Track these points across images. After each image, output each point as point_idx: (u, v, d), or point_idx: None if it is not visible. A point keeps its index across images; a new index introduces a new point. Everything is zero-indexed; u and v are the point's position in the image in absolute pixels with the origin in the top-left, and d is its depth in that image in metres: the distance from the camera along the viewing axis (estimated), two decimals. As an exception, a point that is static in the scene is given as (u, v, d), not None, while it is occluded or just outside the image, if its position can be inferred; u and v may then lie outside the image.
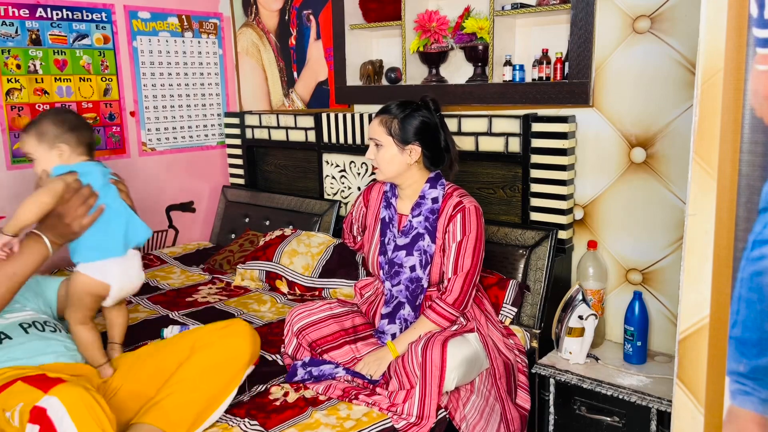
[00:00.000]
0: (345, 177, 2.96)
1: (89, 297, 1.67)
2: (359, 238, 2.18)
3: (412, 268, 1.91)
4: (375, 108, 2.84)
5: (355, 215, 2.17)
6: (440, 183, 1.95)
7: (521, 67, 2.36)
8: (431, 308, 1.87)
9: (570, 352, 2.08)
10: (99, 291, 1.67)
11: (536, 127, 2.25)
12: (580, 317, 2.03)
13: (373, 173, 2.81)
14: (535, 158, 2.28)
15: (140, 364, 1.66)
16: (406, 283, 1.92)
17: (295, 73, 3.23)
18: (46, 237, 1.54)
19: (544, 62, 2.30)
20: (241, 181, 3.47)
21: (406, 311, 1.93)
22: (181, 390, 1.53)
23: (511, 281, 2.20)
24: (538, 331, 2.18)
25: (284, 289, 2.63)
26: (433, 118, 1.93)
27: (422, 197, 1.93)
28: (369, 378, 1.83)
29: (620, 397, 1.90)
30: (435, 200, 1.92)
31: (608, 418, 1.95)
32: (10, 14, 2.72)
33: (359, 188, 2.90)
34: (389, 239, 1.97)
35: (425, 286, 1.92)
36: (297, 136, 3.11)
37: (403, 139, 1.88)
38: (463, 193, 1.94)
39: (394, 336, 1.93)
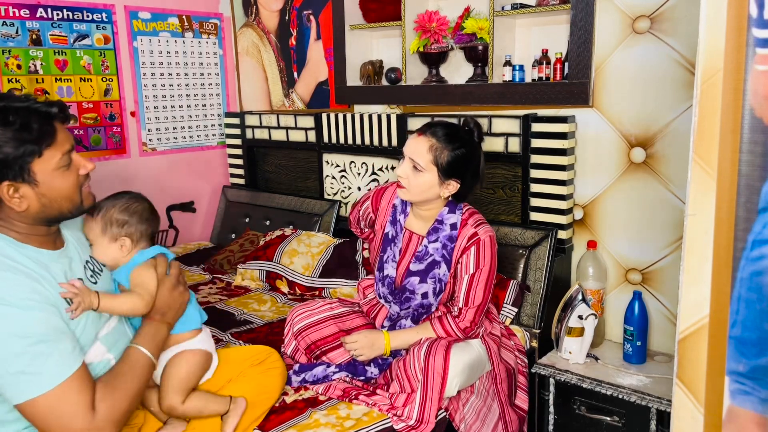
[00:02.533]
0: (345, 177, 2.96)
1: (200, 374, 1.55)
2: (366, 229, 2.14)
3: (424, 295, 1.87)
4: (375, 108, 2.85)
5: (362, 214, 2.08)
6: (458, 207, 1.86)
7: (521, 68, 2.36)
8: (440, 321, 1.84)
9: (570, 352, 2.08)
10: (207, 365, 1.57)
11: (536, 127, 2.26)
12: (580, 317, 2.03)
13: (374, 173, 2.82)
14: (535, 158, 2.28)
15: None
16: (415, 307, 1.89)
17: (295, 74, 3.23)
18: (146, 350, 1.39)
19: (544, 62, 2.30)
20: (241, 181, 3.47)
21: (408, 323, 1.92)
22: (215, 420, 1.53)
23: (511, 281, 2.20)
24: (537, 331, 2.18)
25: (284, 288, 2.63)
26: (477, 152, 1.82)
27: (440, 222, 1.85)
28: (365, 375, 1.83)
29: (620, 396, 1.90)
30: (453, 226, 1.83)
31: (608, 418, 1.95)
32: (11, 14, 2.73)
33: (359, 188, 2.90)
34: (388, 257, 1.92)
35: (433, 310, 1.90)
36: (297, 136, 3.11)
37: (446, 173, 1.77)
38: (479, 219, 1.85)
39: None
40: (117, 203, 1.49)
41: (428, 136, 1.78)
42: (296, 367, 1.88)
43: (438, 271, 1.85)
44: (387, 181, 2.73)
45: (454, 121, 2.42)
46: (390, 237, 1.93)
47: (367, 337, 1.85)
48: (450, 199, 1.86)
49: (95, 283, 1.39)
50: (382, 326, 1.95)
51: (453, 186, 1.81)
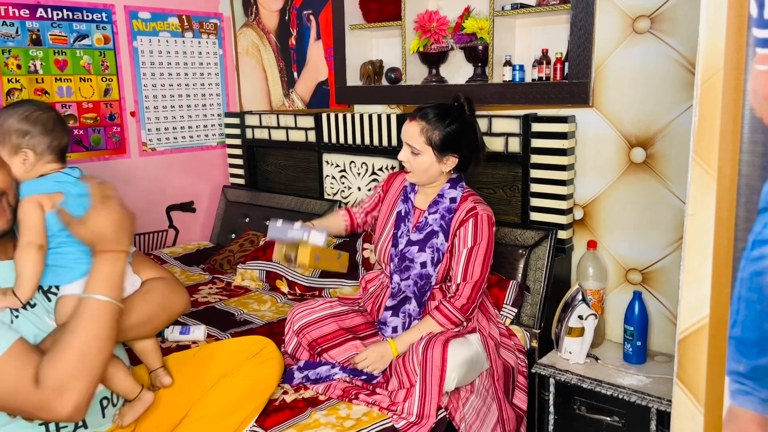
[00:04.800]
0: (345, 177, 2.96)
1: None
2: (357, 217, 2.13)
3: (423, 265, 1.91)
4: (375, 108, 2.85)
5: (366, 199, 2.16)
6: (460, 185, 1.95)
7: (521, 68, 2.36)
8: (438, 309, 1.87)
9: (570, 352, 2.08)
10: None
11: (536, 127, 2.26)
12: (580, 317, 2.03)
13: (374, 173, 2.82)
14: (535, 158, 2.28)
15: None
16: (415, 278, 1.92)
17: (295, 73, 3.23)
18: (96, 294, 1.24)
19: (544, 62, 2.30)
20: (241, 181, 3.47)
21: (411, 306, 1.93)
22: (213, 416, 1.52)
23: (511, 282, 2.20)
24: (538, 331, 2.18)
25: (284, 288, 2.63)
26: (470, 124, 1.91)
27: (441, 195, 1.94)
28: (366, 374, 1.84)
29: (620, 396, 1.90)
30: (453, 200, 1.92)
31: (608, 418, 1.95)
32: (11, 14, 2.73)
33: (359, 188, 2.91)
34: (402, 233, 1.97)
35: (433, 283, 1.92)
36: (297, 136, 3.11)
37: (441, 150, 1.86)
38: (478, 199, 1.94)
39: (395, 329, 1.93)
40: (17, 111, 1.32)
41: (419, 120, 1.88)
42: (301, 363, 1.89)
43: (436, 241, 1.91)
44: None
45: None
46: (403, 214, 2.00)
47: (375, 351, 1.86)
48: (452, 176, 1.95)
49: (50, 300, 1.32)
50: (385, 308, 1.96)
51: (452, 161, 1.90)
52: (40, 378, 1.15)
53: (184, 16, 3.30)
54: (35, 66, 2.81)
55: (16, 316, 1.24)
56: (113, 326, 1.25)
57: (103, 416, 1.40)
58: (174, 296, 1.48)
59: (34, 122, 1.32)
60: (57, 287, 1.34)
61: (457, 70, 2.60)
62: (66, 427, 1.31)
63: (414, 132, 1.87)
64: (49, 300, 1.32)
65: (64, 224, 1.28)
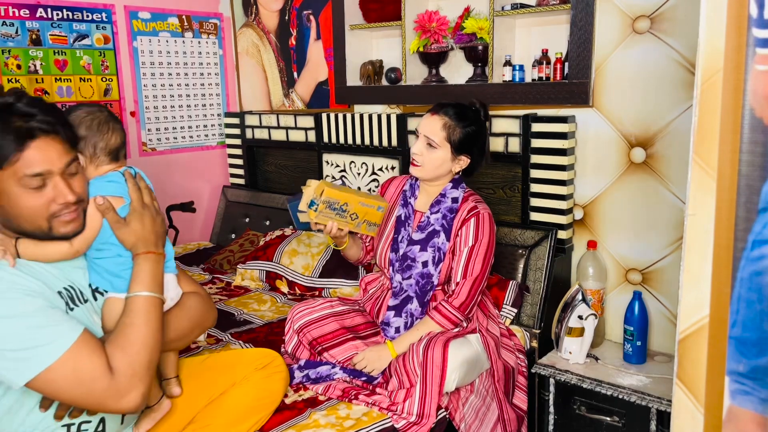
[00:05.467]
0: (345, 177, 2.96)
1: None
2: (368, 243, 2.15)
3: (425, 264, 1.92)
4: (375, 108, 2.85)
5: None
6: (461, 186, 1.97)
7: (521, 68, 2.36)
8: (437, 309, 1.87)
9: (570, 352, 2.08)
10: None
11: (536, 127, 2.26)
12: (580, 317, 2.03)
13: (374, 173, 2.82)
14: (535, 158, 2.28)
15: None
16: (416, 277, 1.93)
17: (295, 74, 3.23)
18: (144, 292, 1.28)
19: (544, 62, 2.30)
20: (241, 181, 3.47)
21: (414, 306, 1.93)
22: (219, 424, 1.52)
23: (510, 282, 2.20)
24: (537, 331, 2.18)
25: (284, 288, 2.63)
26: (484, 130, 1.95)
27: (443, 195, 1.95)
28: (366, 375, 1.84)
29: (620, 396, 1.90)
30: (455, 200, 1.94)
31: (608, 418, 1.95)
32: (11, 14, 2.73)
33: (359, 188, 2.90)
34: (402, 237, 1.98)
35: (435, 282, 1.93)
36: (297, 136, 3.11)
37: (458, 149, 1.89)
38: (479, 198, 1.96)
39: (398, 330, 1.93)
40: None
41: (441, 114, 1.89)
42: (301, 362, 1.89)
43: (437, 240, 1.92)
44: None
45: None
46: (403, 218, 2.00)
47: (373, 351, 1.87)
48: (456, 176, 1.97)
49: (86, 302, 1.32)
50: (388, 307, 1.96)
51: (464, 161, 1.92)
52: (115, 367, 1.18)
53: (184, 16, 3.30)
54: (35, 66, 2.81)
55: (71, 309, 1.25)
56: (162, 321, 1.31)
57: (122, 422, 1.39)
58: (208, 314, 1.52)
59: (78, 125, 1.31)
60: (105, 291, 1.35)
61: (457, 70, 2.60)
62: (87, 431, 1.31)
63: (436, 126, 1.88)
64: (96, 299, 1.34)
65: (110, 225, 1.29)
